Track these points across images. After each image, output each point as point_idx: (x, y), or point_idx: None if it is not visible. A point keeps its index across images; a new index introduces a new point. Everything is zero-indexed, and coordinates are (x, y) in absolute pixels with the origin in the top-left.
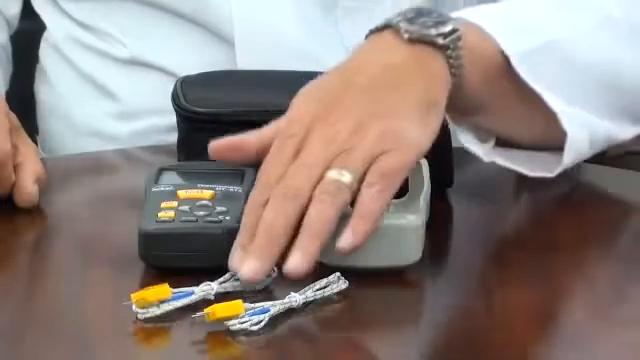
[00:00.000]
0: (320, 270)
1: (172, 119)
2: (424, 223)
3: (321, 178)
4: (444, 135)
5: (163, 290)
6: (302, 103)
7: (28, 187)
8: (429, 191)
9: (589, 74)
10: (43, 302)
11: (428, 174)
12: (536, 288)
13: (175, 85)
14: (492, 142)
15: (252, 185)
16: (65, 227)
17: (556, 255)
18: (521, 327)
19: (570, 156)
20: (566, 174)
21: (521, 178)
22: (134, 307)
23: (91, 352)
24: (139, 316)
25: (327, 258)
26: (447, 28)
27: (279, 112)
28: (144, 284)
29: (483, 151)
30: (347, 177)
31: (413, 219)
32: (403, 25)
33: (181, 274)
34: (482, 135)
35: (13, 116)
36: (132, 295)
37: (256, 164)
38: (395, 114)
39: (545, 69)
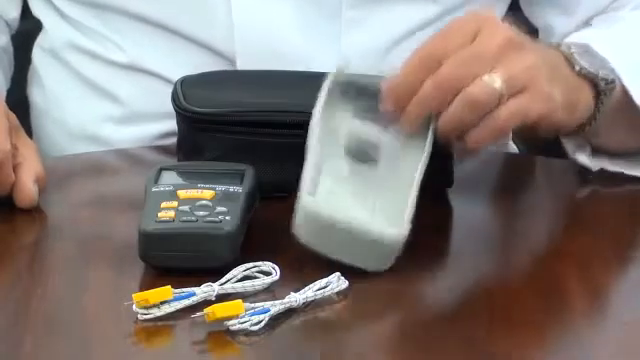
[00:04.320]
0: (320, 270)
1: (171, 125)
2: (405, 237)
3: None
4: None
5: (165, 291)
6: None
7: (28, 187)
8: (417, 195)
9: None
10: (43, 302)
11: (422, 173)
12: (537, 288)
13: (175, 85)
14: (589, 150)
15: (252, 185)
16: (65, 227)
17: (556, 255)
18: (523, 328)
19: None
20: (568, 175)
21: (521, 178)
22: (135, 308)
23: (91, 352)
24: (139, 317)
25: (306, 239)
26: (609, 76)
27: (279, 112)
28: (144, 284)
29: (591, 163)
30: (498, 84)
31: (396, 234)
32: (577, 58)
33: (182, 275)
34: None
35: (13, 116)
36: (134, 295)
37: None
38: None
39: None
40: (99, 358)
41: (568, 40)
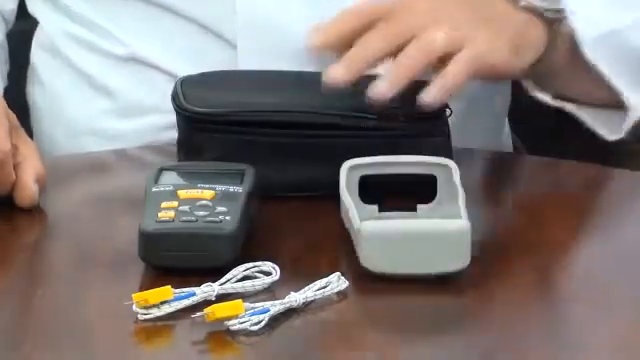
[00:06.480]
0: (320, 270)
1: (171, 118)
2: (469, 228)
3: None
4: (444, 136)
5: (165, 291)
6: None
7: (28, 187)
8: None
9: None
10: (43, 302)
11: (459, 180)
12: (537, 288)
13: (175, 85)
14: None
15: (252, 185)
16: (65, 227)
17: (554, 255)
18: (523, 328)
19: (629, 124)
20: (567, 175)
21: (521, 178)
22: (135, 308)
23: (91, 352)
24: (139, 317)
25: (372, 265)
26: (556, 6)
27: (279, 112)
28: (144, 284)
29: (550, 98)
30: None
31: (462, 224)
32: None
33: (182, 274)
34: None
35: (13, 115)
36: (134, 295)
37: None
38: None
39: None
40: (99, 358)
41: None
